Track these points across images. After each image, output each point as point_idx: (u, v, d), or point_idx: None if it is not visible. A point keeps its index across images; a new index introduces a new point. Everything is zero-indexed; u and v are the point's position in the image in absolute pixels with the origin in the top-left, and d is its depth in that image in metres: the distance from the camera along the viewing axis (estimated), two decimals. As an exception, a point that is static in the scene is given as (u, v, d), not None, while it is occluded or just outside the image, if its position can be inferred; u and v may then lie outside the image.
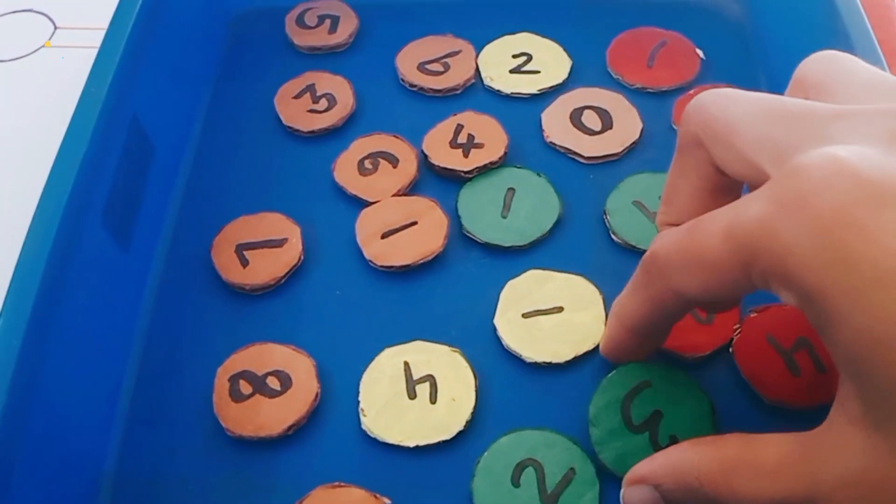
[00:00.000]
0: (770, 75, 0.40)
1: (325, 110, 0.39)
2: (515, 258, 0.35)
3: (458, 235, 0.35)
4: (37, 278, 0.27)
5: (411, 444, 0.30)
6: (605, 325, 0.30)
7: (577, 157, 0.37)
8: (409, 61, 0.41)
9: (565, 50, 0.41)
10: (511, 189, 0.36)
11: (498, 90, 0.40)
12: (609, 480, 0.28)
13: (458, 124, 0.38)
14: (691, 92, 0.39)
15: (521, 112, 0.39)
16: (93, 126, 0.31)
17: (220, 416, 0.31)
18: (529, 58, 0.41)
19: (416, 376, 0.31)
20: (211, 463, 0.30)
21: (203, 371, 0.32)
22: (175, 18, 0.39)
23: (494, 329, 0.32)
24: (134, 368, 0.33)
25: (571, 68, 0.41)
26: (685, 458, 0.24)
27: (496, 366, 0.32)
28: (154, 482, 0.30)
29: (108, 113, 0.32)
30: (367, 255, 0.34)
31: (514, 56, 0.41)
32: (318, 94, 0.40)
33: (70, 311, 0.29)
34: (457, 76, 0.40)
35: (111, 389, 0.32)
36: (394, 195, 0.36)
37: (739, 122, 0.23)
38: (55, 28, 0.46)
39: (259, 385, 0.31)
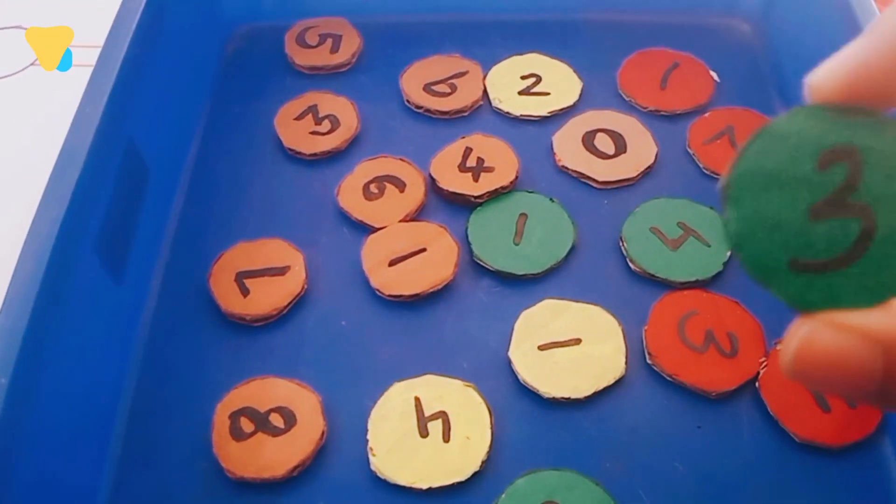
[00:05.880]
0: (784, 96, 0.39)
1: (329, 132, 0.38)
2: (529, 287, 0.33)
3: (469, 263, 0.34)
4: (27, 310, 0.25)
5: (423, 487, 0.28)
6: None
7: (590, 182, 0.36)
8: (414, 82, 0.40)
9: (575, 71, 0.40)
10: (523, 214, 0.35)
11: (507, 112, 0.39)
12: (635, 525, 0.27)
13: (467, 147, 0.37)
14: (706, 115, 0.38)
15: (530, 135, 0.38)
16: (87, 149, 0.29)
17: (220, 455, 0.29)
18: (539, 79, 0.40)
19: (427, 413, 0.30)
20: (210, 507, 0.28)
21: (201, 408, 0.30)
22: (171, 36, 0.37)
23: (509, 362, 0.31)
24: (126, 405, 0.31)
25: (582, 90, 0.39)
26: None
27: (512, 401, 0.30)
28: (148, 528, 0.28)
29: (104, 135, 0.30)
30: (373, 283, 0.33)
31: (523, 77, 0.40)
32: (321, 115, 0.38)
33: (60, 344, 0.27)
34: (464, 98, 0.39)
35: (102, 428, 0.30)
36: (401, 221, 0.35)
37: None
38: (44, 46, 0.44)
39: (261, 422, 0.29)
